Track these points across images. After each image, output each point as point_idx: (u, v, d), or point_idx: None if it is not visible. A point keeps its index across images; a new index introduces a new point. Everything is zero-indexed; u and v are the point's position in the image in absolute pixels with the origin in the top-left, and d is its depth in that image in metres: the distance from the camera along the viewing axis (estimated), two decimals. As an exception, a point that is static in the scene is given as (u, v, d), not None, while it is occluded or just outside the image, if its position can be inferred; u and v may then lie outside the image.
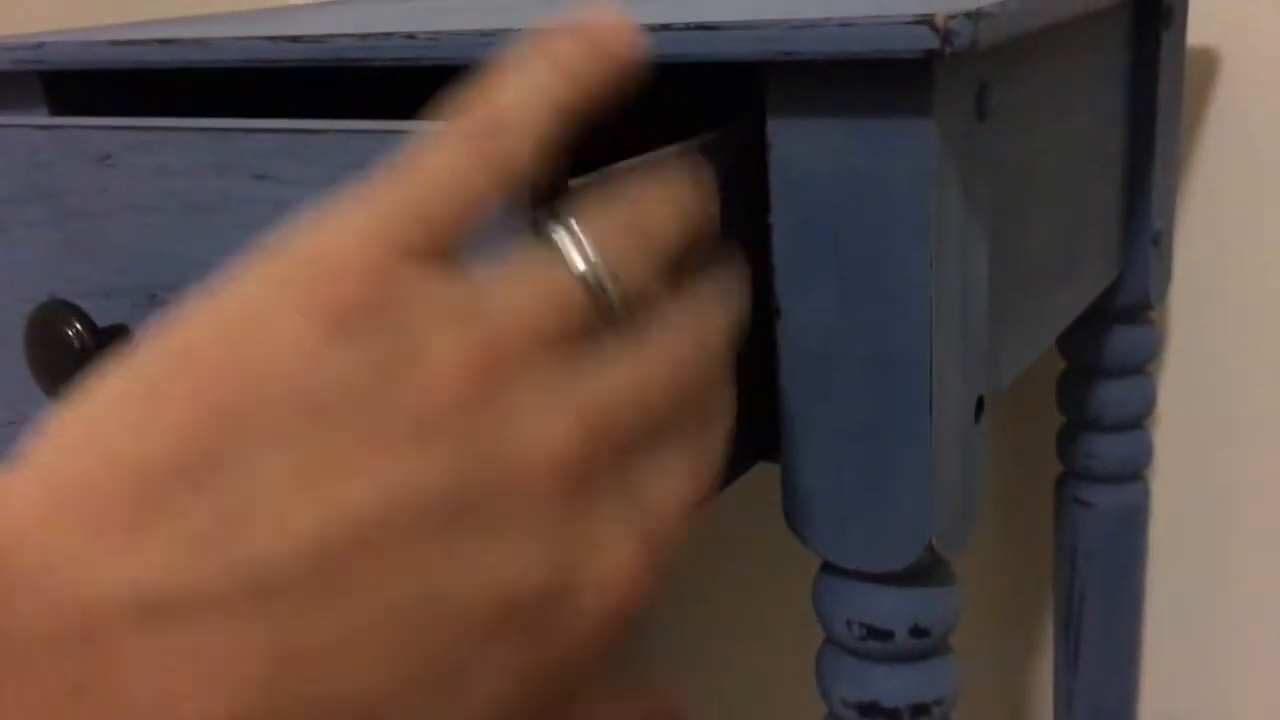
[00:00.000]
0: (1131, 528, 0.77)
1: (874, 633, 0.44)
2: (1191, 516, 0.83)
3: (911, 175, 0.39)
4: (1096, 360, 0.73)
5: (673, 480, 0.27)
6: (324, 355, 0.23)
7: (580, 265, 0.26)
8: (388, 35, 0.45)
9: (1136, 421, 0.75)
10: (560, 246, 0.27)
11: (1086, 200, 0.60)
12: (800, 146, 0.40)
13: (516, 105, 0.26)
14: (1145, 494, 0.77)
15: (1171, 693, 0.87)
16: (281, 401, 0.22)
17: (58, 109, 0.60)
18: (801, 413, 0.43)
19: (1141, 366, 0.74)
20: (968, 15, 0.36)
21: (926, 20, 0.35)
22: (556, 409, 0.24)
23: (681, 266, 0.29)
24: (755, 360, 0.44)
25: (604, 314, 0.26)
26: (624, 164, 0.35)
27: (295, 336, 0.23)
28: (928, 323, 0.40)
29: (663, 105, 0.45)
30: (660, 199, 0.28)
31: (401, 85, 0.57)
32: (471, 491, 0.23)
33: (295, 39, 0.48)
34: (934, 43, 0.35)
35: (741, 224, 0.43)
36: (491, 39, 0.43)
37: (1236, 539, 0.82)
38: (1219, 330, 0.78)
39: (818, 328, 0.42)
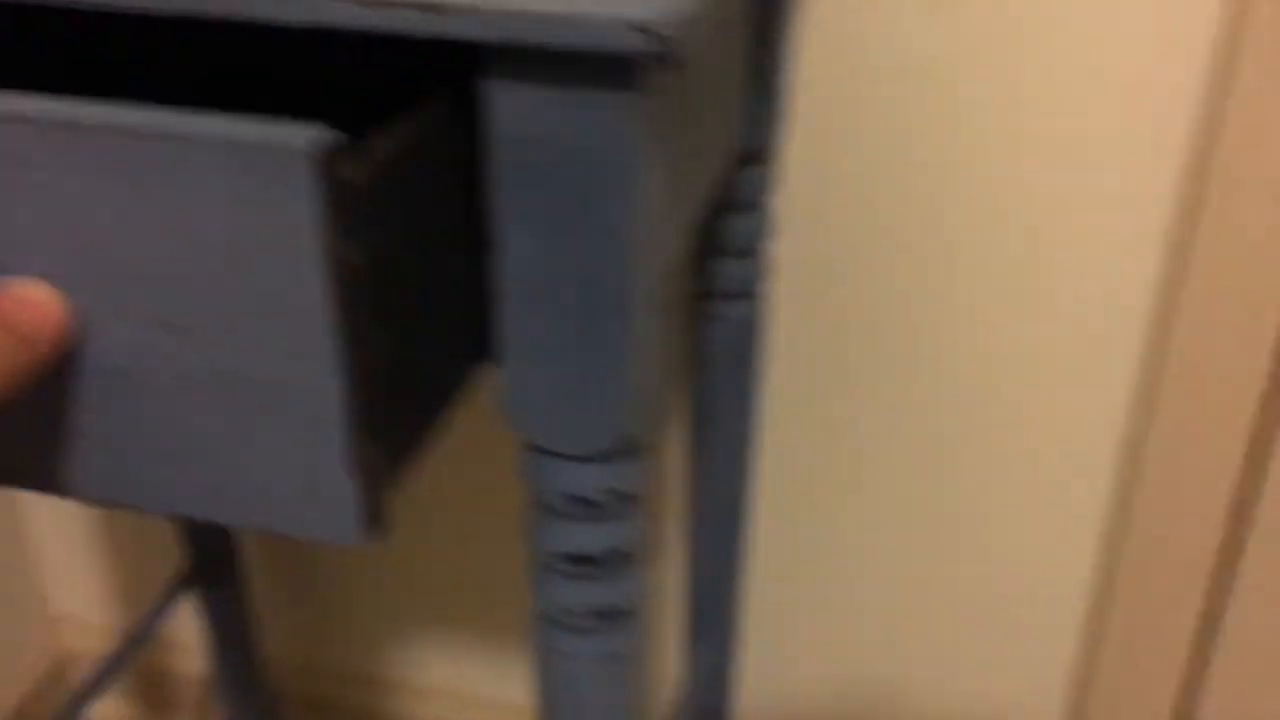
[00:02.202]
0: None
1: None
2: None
3: (617, 146, 0.45)
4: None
5: None
6: None
7: None
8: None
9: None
10: None
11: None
12: (518, 112, 0.46)
13: None
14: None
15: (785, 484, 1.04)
16: None
17: None
18: (516, 324, 0.50)
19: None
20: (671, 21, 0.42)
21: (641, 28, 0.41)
22: None
23: None
24: (477, 276, 0.50)
25: None
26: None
27: None
28: (629, 260, 0.47)
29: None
30: None
31: None
32: None
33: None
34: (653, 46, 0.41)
35: (458, 172, 0.48)
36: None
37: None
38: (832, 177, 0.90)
39: (531, 258, 0.48)
